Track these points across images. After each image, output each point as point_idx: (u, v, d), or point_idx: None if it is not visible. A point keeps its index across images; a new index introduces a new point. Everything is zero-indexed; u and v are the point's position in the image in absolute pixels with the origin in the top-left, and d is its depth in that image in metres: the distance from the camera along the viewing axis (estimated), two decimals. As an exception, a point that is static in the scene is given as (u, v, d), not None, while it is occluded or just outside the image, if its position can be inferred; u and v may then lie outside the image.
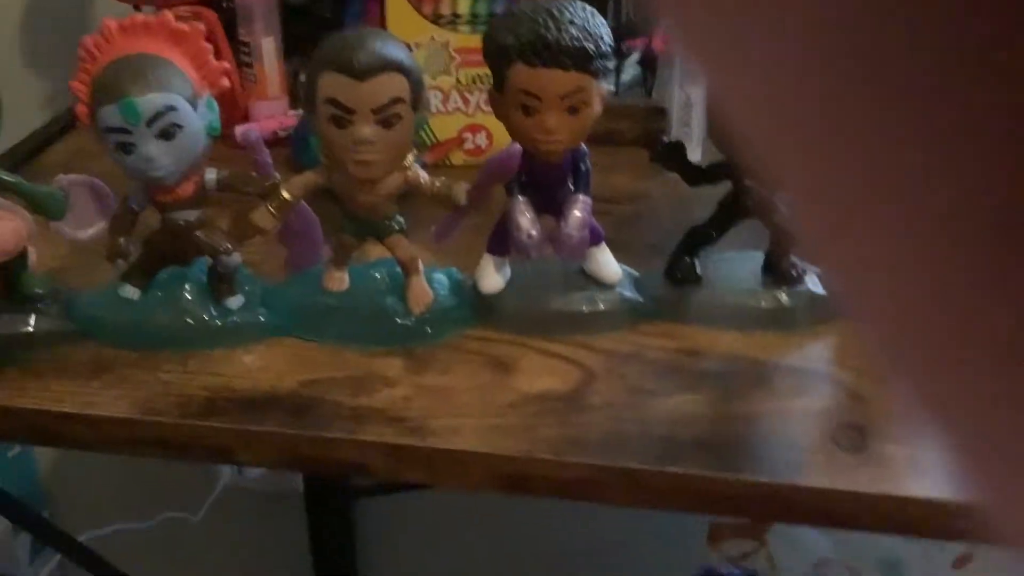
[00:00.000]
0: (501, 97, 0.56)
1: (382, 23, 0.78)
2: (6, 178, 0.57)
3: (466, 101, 0.79)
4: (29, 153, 0.86)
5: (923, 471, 0.50)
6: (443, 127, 0.80)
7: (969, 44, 0.11)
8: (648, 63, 0.89)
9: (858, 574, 1.32)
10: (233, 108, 0.84)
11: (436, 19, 0.77)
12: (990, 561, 1.15)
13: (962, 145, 0.11)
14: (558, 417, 0.55)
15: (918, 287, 0.13)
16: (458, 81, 0.79)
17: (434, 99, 0.79)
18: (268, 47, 0.85)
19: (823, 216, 0.14)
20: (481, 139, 0.81)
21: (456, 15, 0.78)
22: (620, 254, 0.64)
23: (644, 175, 0.80)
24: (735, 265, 0.64)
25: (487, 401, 0.56)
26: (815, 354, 0.59)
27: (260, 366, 0.58)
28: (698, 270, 0.62)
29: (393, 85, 0.53)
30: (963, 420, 0.14)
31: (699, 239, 0.62)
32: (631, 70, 0.90)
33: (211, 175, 0.58)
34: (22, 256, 0.58)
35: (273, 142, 0.80)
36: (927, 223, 0.12)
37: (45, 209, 0.57)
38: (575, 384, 0.57)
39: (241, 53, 0.85)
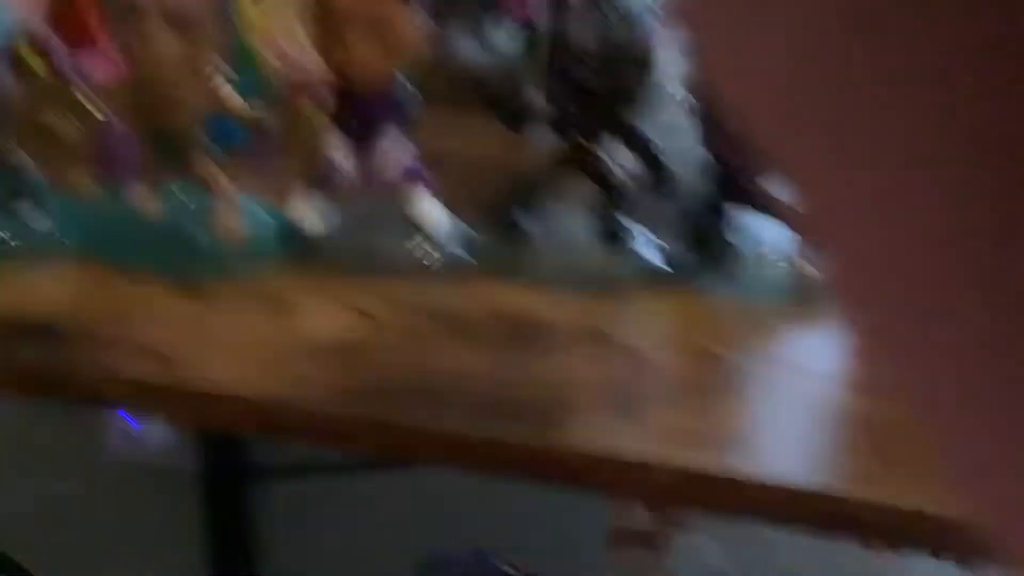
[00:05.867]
0: (313, 21, 0.54)
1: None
2: None
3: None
4: None
5: (696, 443, 0.46)
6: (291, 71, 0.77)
7: None
8: (524, 27, 0.86)
9: (755, 590, 1.29)
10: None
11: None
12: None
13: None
14: (328, 363, 0.51)
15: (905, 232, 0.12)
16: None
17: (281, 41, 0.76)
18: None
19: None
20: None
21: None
22: (459, 208, 0.61)
23: (505, 139, 0.76)
24: (564, 222, 0.61)
25: (256, 341, 0.52)
26: (618, 320, 0.55)
27: (24, 289, 0.55)
28: (523, 224, 0.59)
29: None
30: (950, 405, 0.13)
31: (524, 191, 0.59)
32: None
33: None
34: None
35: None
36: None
37: None
38: (359, 333, 0.53)
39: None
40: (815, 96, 0.12)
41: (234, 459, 1.41)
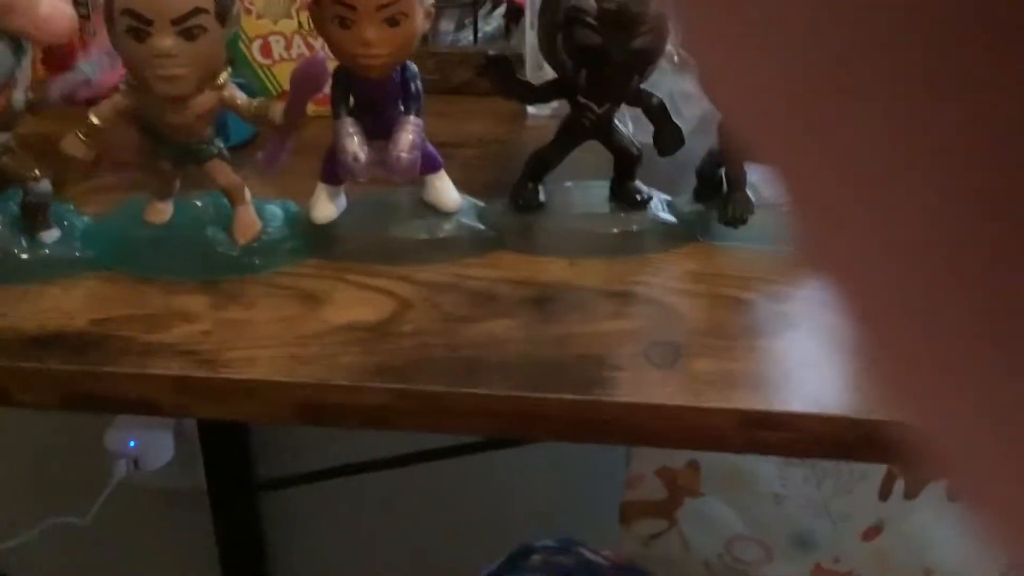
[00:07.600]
0: (318, 10, 0.54)
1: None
2: None
3: (310, 47, 0.76)
4: None
5: (732, 385, 0.47)
6: (288, 75, 0.77)
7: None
8: (511, 15, 0.87)
9: (769, 550, 1.30)
10: (67, 58, 0.80)
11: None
12: (899, 533, 1.13)
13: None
14: (363, 345, 0.52)
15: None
16: (300, 25, 0.76)
17: (276, 46, 0.76)
18: None
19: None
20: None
21: (299, -45, 0.75)
22: (465, 192, 0.62)
23: (500, 123, 0.77)
24: (582, 192, 0.62)
25: (289, 332, 0.53)
26: (644, 278, 0.56)
27: (54, 306, 0.55)
28: (541, 197, 0.60)
29: (194, -7, 0.51)
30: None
31: (540, 164, 0.60)
32: (495, 22, 0.87)
33: (20, 94, 0.55)
34: None
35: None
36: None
37: None
38: (387, 314, 0.54)
39: (79, 4, 0.81)
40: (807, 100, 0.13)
41: (240, 472, 1.41)
